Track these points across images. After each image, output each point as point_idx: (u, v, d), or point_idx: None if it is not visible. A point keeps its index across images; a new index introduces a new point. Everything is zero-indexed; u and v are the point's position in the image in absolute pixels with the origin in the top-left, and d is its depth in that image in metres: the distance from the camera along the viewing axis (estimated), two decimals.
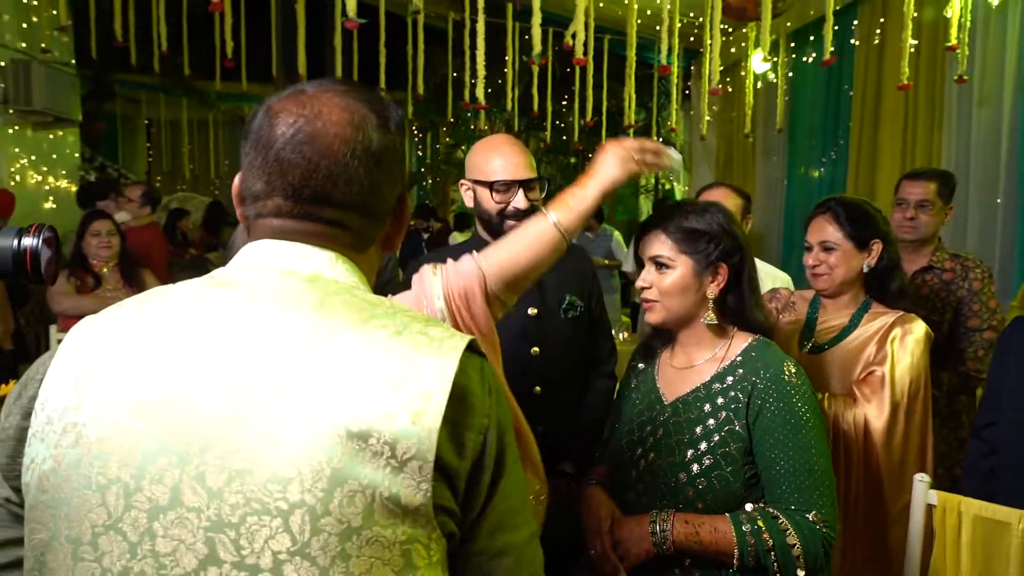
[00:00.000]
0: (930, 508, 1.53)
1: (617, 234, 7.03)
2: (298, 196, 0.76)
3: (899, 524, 1.65)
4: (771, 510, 1.26)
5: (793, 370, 1.32)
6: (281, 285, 0.72)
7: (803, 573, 1.22)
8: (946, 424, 2.35)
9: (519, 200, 1.70)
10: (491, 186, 1.71)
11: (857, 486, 1.69)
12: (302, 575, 0.62)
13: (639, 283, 1.41)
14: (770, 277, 2.53)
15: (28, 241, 0.92)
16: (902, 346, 1.71)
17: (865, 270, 1.79)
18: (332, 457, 0.62)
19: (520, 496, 0.75)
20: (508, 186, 1.70)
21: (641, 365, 1.55)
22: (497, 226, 1.75)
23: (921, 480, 1.54)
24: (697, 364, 1.40)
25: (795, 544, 1.22)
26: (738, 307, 1.38)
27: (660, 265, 1.37)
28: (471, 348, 0.72)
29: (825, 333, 1.84)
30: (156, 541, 0.63)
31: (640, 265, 1.44)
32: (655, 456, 1.36)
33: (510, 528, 0.73)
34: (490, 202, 1.73)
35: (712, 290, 1.36)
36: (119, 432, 0.65)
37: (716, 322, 1.37)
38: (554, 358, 1.78)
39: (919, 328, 1.73)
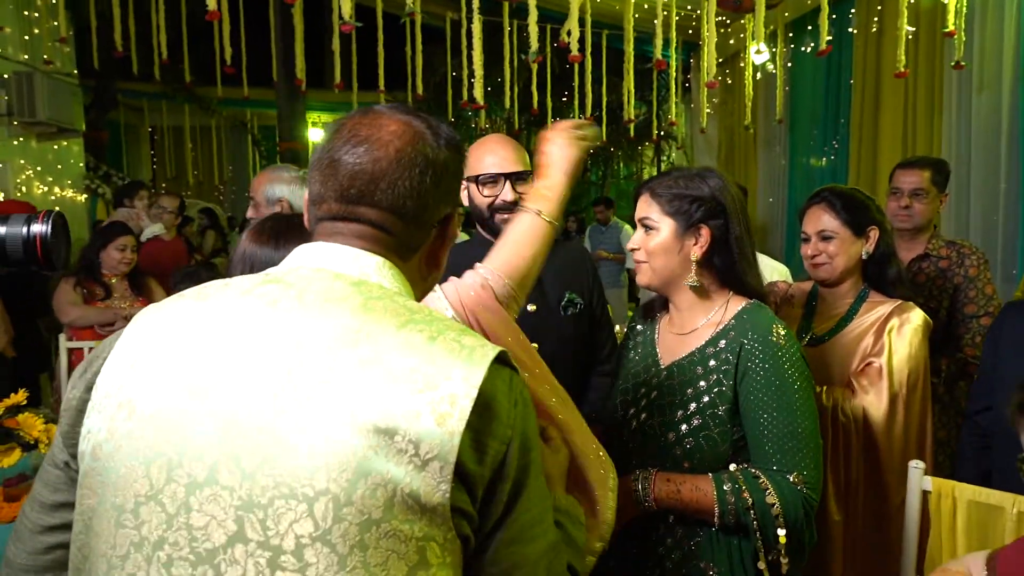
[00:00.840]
0: (925, 494, 1.54)
1: (628, 227, 7.04)
2: (345, 197, 0.81)
3: (901, 514, 1.65)
4: (753, 470, 1.28)
5: (782, 332, 1.33)
6: (329, 286, 0.76)
7: (783, 532, 1.23)
8: (946, 411, 2.36)
9: (506, 192, 1.73)
10: (477, 179, 1.74)
11: (858, 478, 1.69)
12: (321, 560, 0.65)
13: (629, 244, 1.45)
14: (768, 268, 2.54)
15: (38, 228, 0.93)
16: (900, 336, 1.71)
17: (863, 257, 1.80)
18: (358, 450, 0.66)
19: (541, 508, 0.76)
20: (495, 179, 1.74)
21: (639, 327, 1.57)
22: (488, 220, 1.77)
23: (916, 467, 1.55)
24: (694, 329, 1.42)
25: (775, 503, 1.23)
26: (726, 270, 1.39)
27: (647, 227, 1.40)
28: (501, 360, 0.74)
29: (824, 324, 1.84)
30: (191, 515, 0.67)
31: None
32: (647, 416, 1.39)
33: (527, 540, 0.74)
34: (479, 196, 1.75)
35: (695, 252, 1.37)
36: (169, 410, 0.70)
37: (698, 284, 1.38)
38: (553, 354, 1.78)
39: (917, 317, 1.73)
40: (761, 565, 1.26)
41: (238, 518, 0.66)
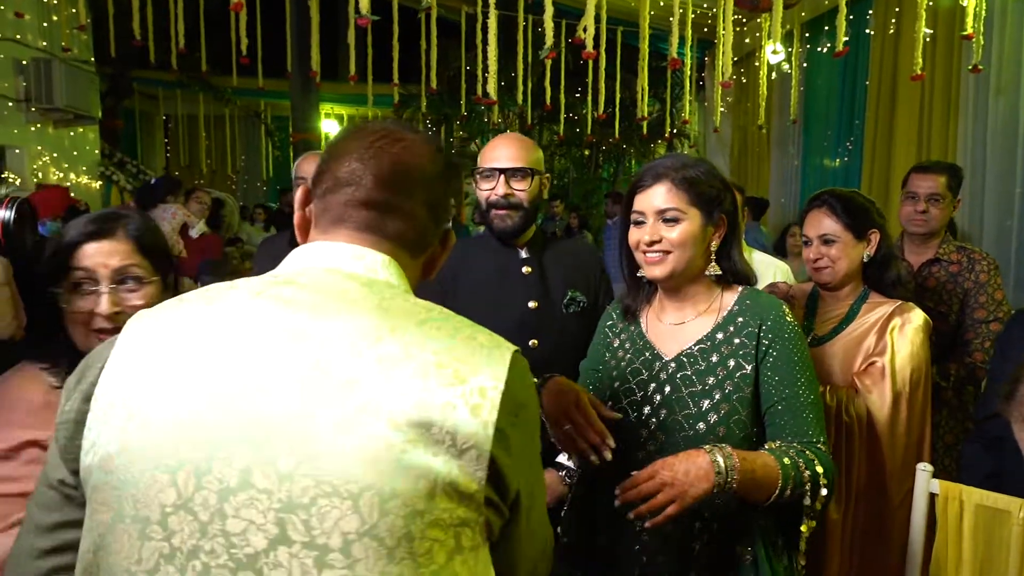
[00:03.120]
0: (932, 497, 1.55)
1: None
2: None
3: (901, 512, 1.67)
4: (796, 444, 1.31)
5: (787, 310, 1.40)
6: (342, 285, 0.78)
7: (825, 492, 1.28)
8: (954, 415, 2.36)
9: (498, 187, 1.75)
10: (478, 173, 1.79)
11: (860, 476, 1.70)
12: (370, 554, 0.66)
13: (647, 237, 1.36)
14: (771, 267, 2.54)
15: (2, 214, 0.93)
16: (902, 335, 1.72)
17: (865, 260, 1.80)
18: (397, 444, 0.67)
19: (544, 498, 0.83)
20: (491, 173, 1.77)
21: (621, 325, 1.54)
22: (485, 214, 1.81)
23: (923, 469, 1.56)
24: (693, 319, 1.42)
25: (821, 471, 1.27)
26: (728, 258, 1.42)
27: (670, 219, 1.35)
28: (516, 354, 0.78)
29: (824, 325, 1.85)
30: (227, 521, 0.67)
31: (626, 224, 1.43)
32: (667, 412, 1.36)
33: (543, 526, 0.82)
34: (478, 191, 1.80)
35: (715, 242, 1.39)
36: (192, 417, 0.69)
37: (719, 273, 1.39)
38: (552, 351, 1.78)
39: (917, 317, 1.74)
40: (804, 528, 1.31)
41: (279, 520, 0.66)
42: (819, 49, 5.97)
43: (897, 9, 4.92)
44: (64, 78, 6.05)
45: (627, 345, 1.50)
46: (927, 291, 2.39)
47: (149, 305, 0.84)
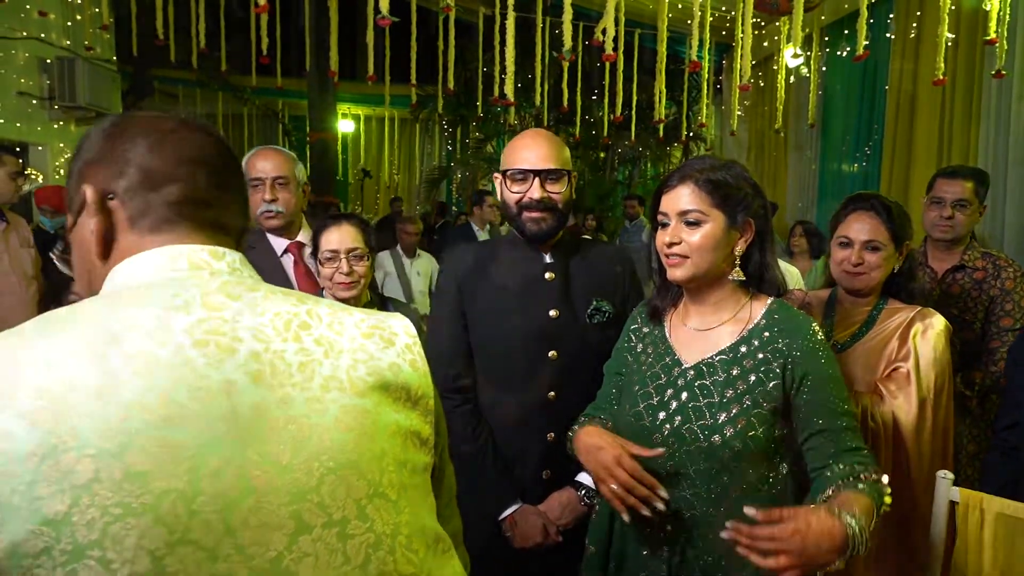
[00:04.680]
0: (953, 505, 1.54)
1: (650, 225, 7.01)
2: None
3: (927, 520, 1.65)
4: (849, 480, 1.24)
5: (818, 328, 1.35)
6: (226, 282, 0.74)
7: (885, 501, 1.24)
8: (976, 424, 2.33)
9: (533, 190, 1.65)
10: (505, 174, 1.69)
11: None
12: (382, 514, 0.71)
13: (667, 238, 1.34)
14: (783, 271, 2.54)
15: None
16: (924, 340, 1.70)
17: (895, 270, 1.78)
18: (370, 408, 0.73)
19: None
20: (524, 175, 1.66)
21: (646, 329, 1.50)
22: (516, 218, 1.70)
23: (944, 477, 1.55)
24: (717, 327, 1.38)
25: (883, 491, 1.24)
26: (760, 266, 1.38)
27: (692, 221, 1.33)
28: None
29: (843, 331, 1.83)
30: (237, 535, 0.62)
31: (655, 225, 1.41)
32: (682, 420, 1.33)
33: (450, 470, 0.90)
34: (508, 192, 1.69)
35: (740, 247, 1.35)
36: (153, 447, 0.61)
37: (743, 279, 1.36)
38: (573, 363, 1.70)
39: (939, 322, 1.72)
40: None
41: (294, 512, 0.65)
42: (838, 53, 5.94)
43: (919, 13, 4.88)
44: (87, 77, 6.13)
45: (649, 348, 1.47)
46: (951, 298, 2.36)
47: None
